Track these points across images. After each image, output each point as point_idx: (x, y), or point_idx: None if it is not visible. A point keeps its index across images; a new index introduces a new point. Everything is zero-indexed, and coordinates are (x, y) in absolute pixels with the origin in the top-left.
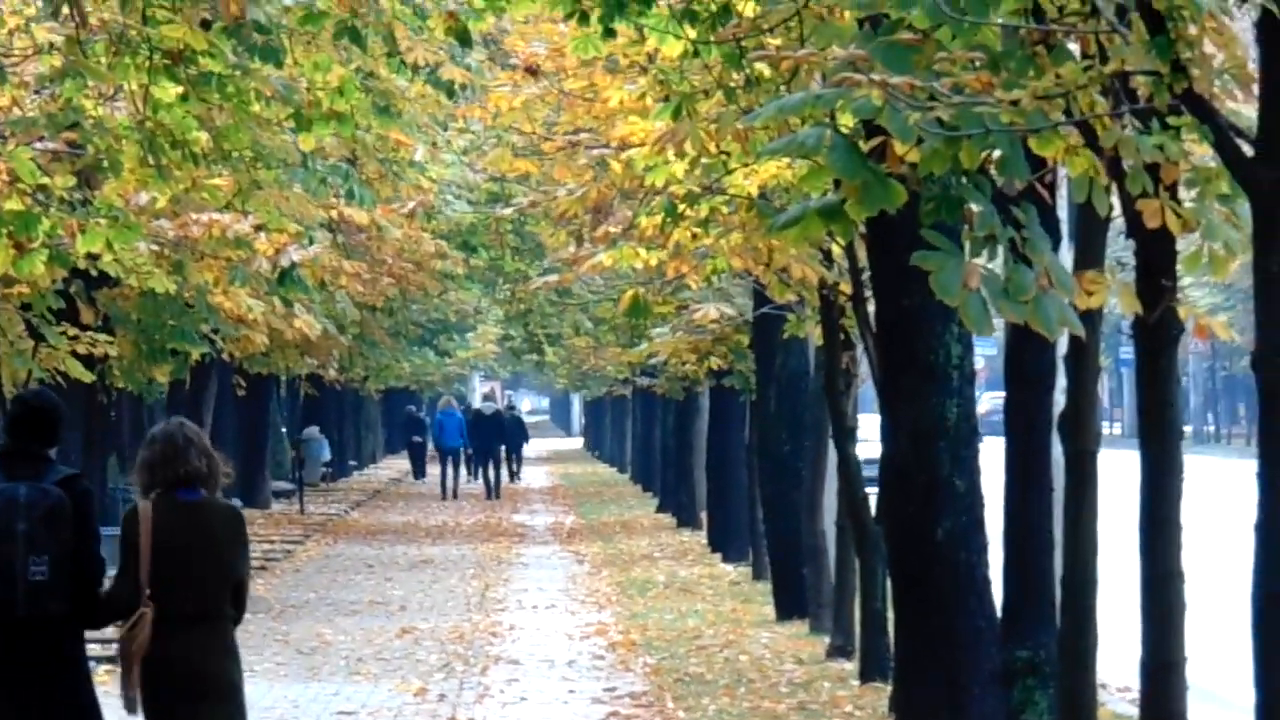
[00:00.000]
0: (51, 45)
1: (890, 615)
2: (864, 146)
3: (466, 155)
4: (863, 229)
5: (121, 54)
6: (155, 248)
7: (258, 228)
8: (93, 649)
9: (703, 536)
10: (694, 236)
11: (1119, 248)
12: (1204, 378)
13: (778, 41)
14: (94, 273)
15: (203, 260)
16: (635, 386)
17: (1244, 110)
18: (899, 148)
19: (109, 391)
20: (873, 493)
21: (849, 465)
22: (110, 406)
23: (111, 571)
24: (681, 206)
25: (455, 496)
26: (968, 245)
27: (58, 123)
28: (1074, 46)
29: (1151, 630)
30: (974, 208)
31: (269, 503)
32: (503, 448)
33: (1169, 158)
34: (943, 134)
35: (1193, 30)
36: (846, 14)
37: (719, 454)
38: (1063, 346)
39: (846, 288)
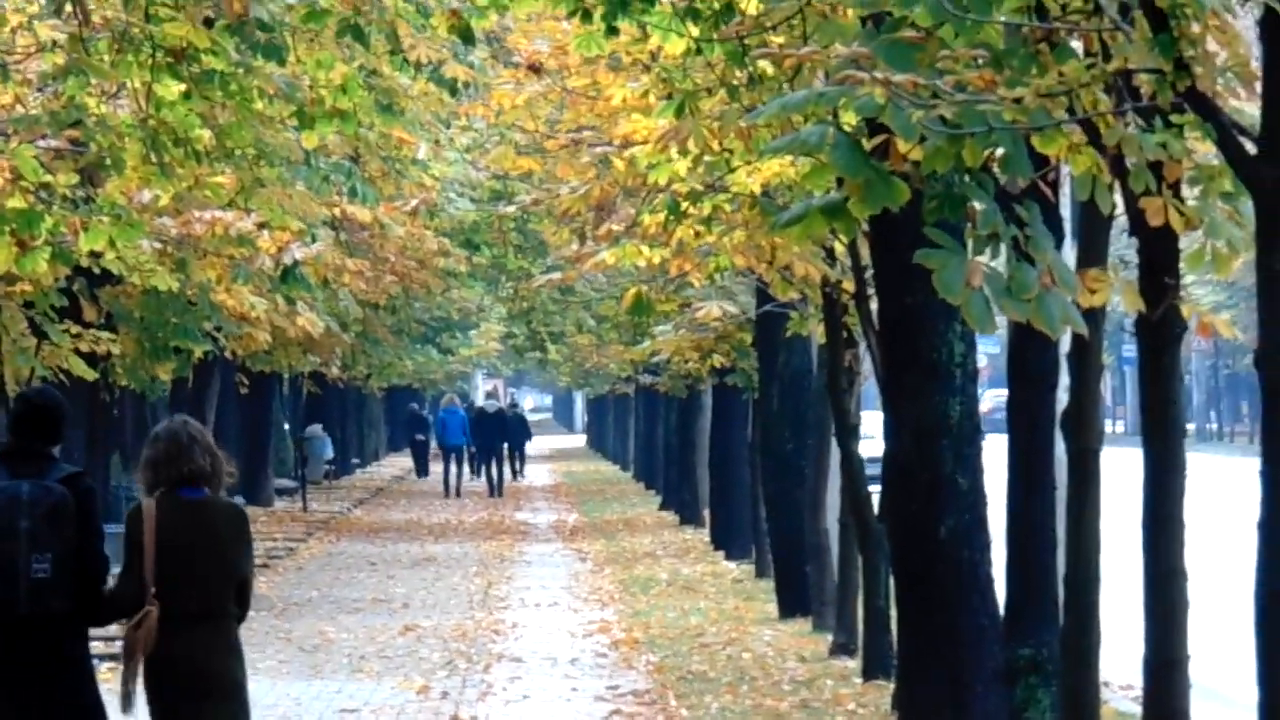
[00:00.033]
0: (54, 43)
1: (893, 613)
2: (867, 144)
3: (469, 153)
4: (865, 227)
5: (124, 52)
6: (158, 245)
7: (260, 225)
8: (96, 646)
9: (705, 534)
10: (697, 234)
11: (1122, 245)
12: (1207, 375)
13: (780, 39)
14: (97, 270)
15: (205, 258)
16: (638, 384)
17: (1247, 108)
18: (902, 146)
19: (112, 389)
20: (875, 490)
21: (852, 463)
22: (113, 404)
23: (115, 569)
24: (684, 204)
25: (458, 494)
26: (970, 243)
27: (60, 120)
28: (1077, 44)
29: (1154, 628)
30: (977, 206)
31: (272, 500)
32: (505, 445)
33: (1172, 156)
34: (946, 132)
35: (1196, 28)
36: (849, 12)
37: (722, 452)
38: (1065, 344)
39: (849, 285)
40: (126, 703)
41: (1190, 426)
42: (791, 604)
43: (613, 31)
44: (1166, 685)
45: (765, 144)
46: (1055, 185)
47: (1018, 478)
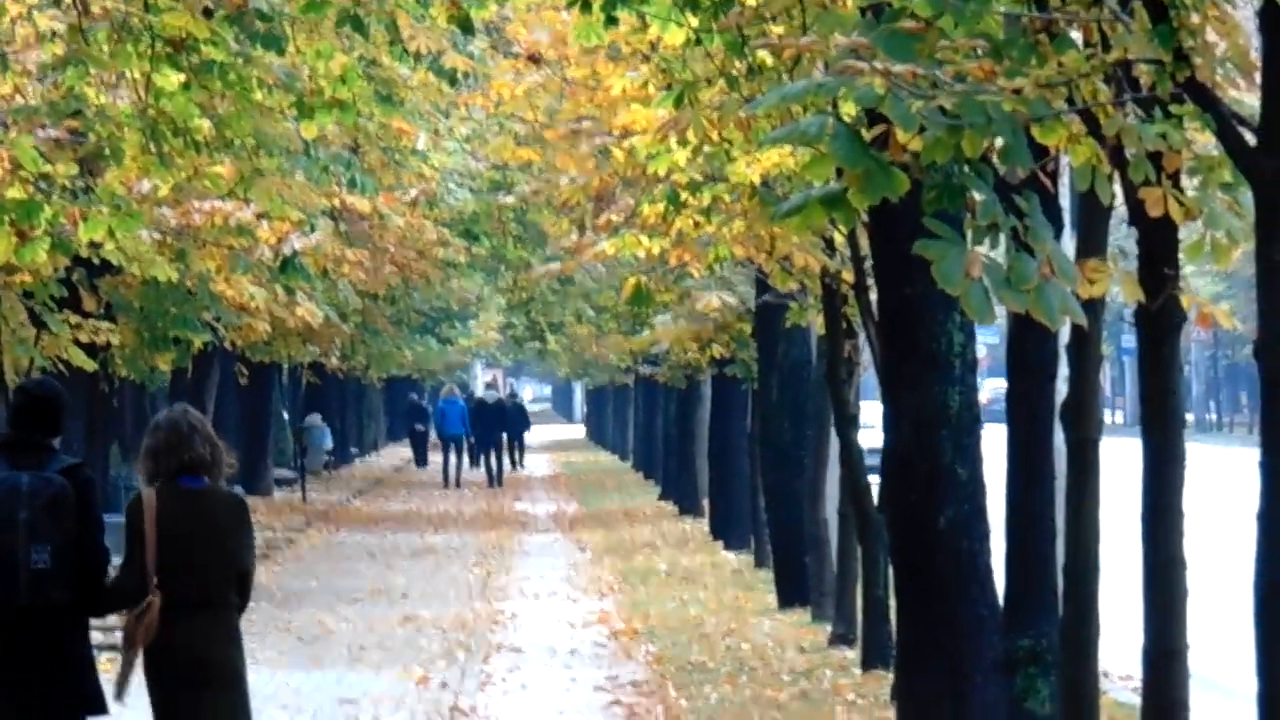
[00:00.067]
0: (53, 33)
1: (892, 603)
2: (866, 135)
3: (469, 143)
4: (865, 217)
5: (123, 42)
6: (157, 236)
7: (260, 216)
8: (95, 636)
9: (705, 525)
10: (696, 225)
11: (1121, 236)
12: (1206, 366)
13: (780, 29)
14: (96, 261)
15: (205, 248)
16: (637, 375)
17: (1246, 99)
18: (901, 136)
19: (111, 380)
20: (875, 481)
21: (851, 453)
22: (112, 395)
23: (115, 560)
24: (684, 195)
25: (457, 484)
26: (970, 234)
27: (60, 110)
28: (1076, 35)
29: (1154, 618)
30: (976, 196)
31: (271, 490)
32: (505, 436)
33: (1171, 146)
34: (945, 122)
35: (1195, 19)
36: (849, 2)
37: (721, 442)
38: (1065, 335)
39: (849, 276)
40: (121, 691)
41: (1189, 417)
42: (790, 594)
43: (612, 22)
44: (1166, 675)
45: (765, 134)
46: (1055, 176)
47: (1017, 468)
